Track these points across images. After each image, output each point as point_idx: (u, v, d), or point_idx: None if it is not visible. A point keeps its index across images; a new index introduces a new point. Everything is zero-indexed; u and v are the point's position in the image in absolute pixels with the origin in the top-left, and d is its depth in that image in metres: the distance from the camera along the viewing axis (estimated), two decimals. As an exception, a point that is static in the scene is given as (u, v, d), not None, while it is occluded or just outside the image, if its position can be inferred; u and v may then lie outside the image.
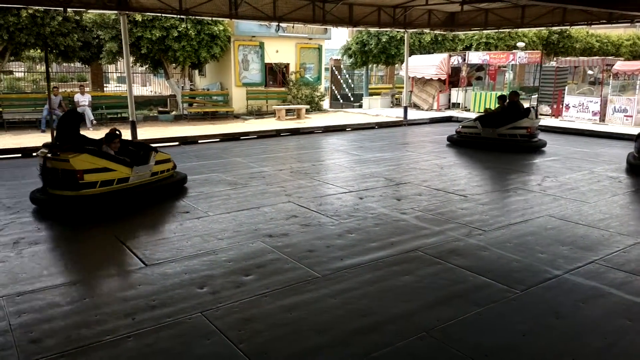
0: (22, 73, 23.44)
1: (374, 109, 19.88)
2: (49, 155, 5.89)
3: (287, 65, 18.98)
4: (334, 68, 21.86)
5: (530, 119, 10.34)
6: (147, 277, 4.13)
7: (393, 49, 20.61)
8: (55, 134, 6.66)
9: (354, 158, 9.76)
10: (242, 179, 7.75)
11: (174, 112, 17.46)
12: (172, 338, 3.22)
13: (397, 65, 24.08)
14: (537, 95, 16.39)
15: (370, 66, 23.60)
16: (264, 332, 3.28)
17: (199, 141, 11.80)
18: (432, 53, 20.78)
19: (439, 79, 19.30)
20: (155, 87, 26.72)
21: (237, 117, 17.19)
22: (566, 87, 16.33)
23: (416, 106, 19.89)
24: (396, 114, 17.60)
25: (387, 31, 19.68)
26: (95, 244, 4.90)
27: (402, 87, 18.44)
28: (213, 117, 16.95)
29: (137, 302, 3.70)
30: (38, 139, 11.69)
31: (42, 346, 3.10)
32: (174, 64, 16.87)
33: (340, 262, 4.44)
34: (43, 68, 26.17)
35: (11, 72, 21.81)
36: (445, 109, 19.23)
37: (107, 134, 6.48)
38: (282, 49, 18.52)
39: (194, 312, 3.53)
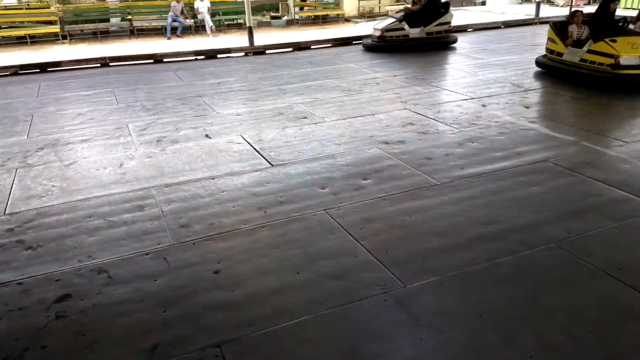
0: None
1: (499, 6, 17.99)
2: None
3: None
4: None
5: (450, 14, 10.40)
6: (274, 176, 4.43)
7: None
8: None
9: (476, 62, 9.11)
10: (356, 85, 7.69)
11: (285, 17, 17.37)
12: (300, 230, 3.49)
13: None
14: None
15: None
16: (384, 232, 3.42)
17: (312, 47, 11.75)
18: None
19: (579, -31, 16.79)
20: (266, -10, 26.56)
21: (347, 20, 16.68)
22: None
23: (550, 2, 17.62)
24: (525, 11, 15.79)
25: None
26: (227, 147, 5.29)
27: (534, -19, 16.32)
28: (324, 21, 16.62)
29: (267, 197, 4.02)
30: (165, 45, 12.47)
31: (190, 230, 3.55)
32: (287, -34, 16.51)
33: (461, 170, 4.36)
34: (163, -25, 27.14)
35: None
36: (585, 4, 16.80)
37: None
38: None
39: (318, 210, 3.77)
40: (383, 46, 10.15)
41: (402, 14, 10.43)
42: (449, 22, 10.35)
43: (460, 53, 10.20)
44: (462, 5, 18.98)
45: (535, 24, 13.95)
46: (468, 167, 4.42)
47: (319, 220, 3.63)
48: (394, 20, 10.25)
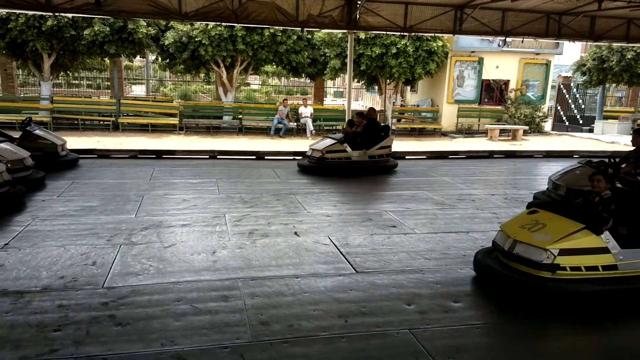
0: (257, 85, 27.27)
1: (609, 135, 17.37)
2: None
3: (506, 82, 17.96)
4: (562, 86, 19.85)
5: (390, 138, 9.93)
6: (358, 283, 4.33)
7: (640, 67, 17.76)
8: None
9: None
10: (450, 199, 7.57)
11: (382, 127, 18.13)
12: (381, 349, 3.29)
13: (643, 85, 20.63)
14: None
15: (607, 86, 20.73)
16: (475, 366, 3.12)
17: (406, 157, 11.98)
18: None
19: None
20: (366, 101, 28.23)
21: (444, 134, 16.96)
22: None
23: (664, 133, 16.77)
24: (638, 142, 15.09)
25: (634, 46, 17.08)
26: (314, 247, 5.34)
27: (647, 112, 15.76)
28: (420, 133, 17.05)
29: (349, 305, 3.90)
30: (268, 144, 13.40)
31: (269, 329, 3.50)
32: (388, 80, 17.52)
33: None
34: (274, 82, 30.07)
35: (248, 84, 25.51)
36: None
37: None
38: (503, 65, 17.53)
39: (402, 328, 3.56)
40: (322, 168, 9.28)
41: (341, 135, 9.83)
42: (390, 146, 9.87)
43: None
44: (567, 131, 18.62)
45: (649, 156, 13.15)
46: (573, 304, 4.02)
47: (402, 340, 3.41)
48: (333, 141, 9.47)
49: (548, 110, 19.30)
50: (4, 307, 3.67)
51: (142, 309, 3.71)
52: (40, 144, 8.70)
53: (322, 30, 14.98)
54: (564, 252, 3.92)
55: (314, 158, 9.43)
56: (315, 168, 9.34)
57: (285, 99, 17.20)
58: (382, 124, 10.21)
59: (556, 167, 11.12)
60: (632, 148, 6.98)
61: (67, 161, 9.18)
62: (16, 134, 8.86)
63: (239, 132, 15.98)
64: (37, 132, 8.93)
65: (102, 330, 3.39)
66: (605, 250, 3.99)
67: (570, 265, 3.93)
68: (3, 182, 6.24)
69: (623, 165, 6.84)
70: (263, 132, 16.01)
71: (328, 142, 9.53)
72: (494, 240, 4.47)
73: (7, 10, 12.58)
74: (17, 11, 12.55)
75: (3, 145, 7.54)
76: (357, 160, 9.46)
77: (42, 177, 7.68)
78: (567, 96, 19.80)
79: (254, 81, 27.01)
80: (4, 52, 15.23)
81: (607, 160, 7.06)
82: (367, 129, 9.63)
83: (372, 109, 10.11)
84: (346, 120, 11.73)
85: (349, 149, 9.39)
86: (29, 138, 8.65)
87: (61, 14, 10.10)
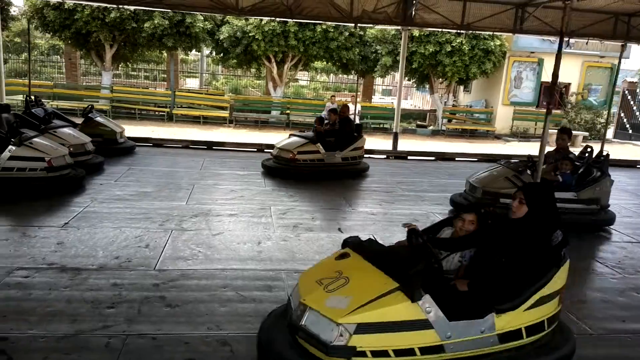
0: (306, 81, 27.44)
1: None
2: None
3: (567, 85, 17.22)
4: (626, 92, 18.82)
5: (363, 138, 8.92)
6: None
7: None
8: None
9: (645, 202, 8.18)
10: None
11: (431, 127, 17.82)
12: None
13: None
14: None
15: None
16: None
17: (456, 159, 11.71)
18: None
19: None
20: (415, 100, 27.82)
21: (497, 137, 16.47)
22: None
23: None
24: None
25: None
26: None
27: None
28: (471, 135, 16.65)
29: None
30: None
31: (312, 322, 3.50)
32: (440, 79, 17.19)
33: (622, 324, 3.75)
34: (323, 78, 30.16)
35: (297, 80, 25.71)
36: None
37: None
38: (564, 67, 16.74)
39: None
40: (290, 171, 8.23)
41: (311, 133, 8.77)
42: (363, 147, 8.88)
43: (627, 190, 9.26)
44: (630, 139, 17.61)
45: None
46: (631, 321, 3.79)
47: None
48: (304, 140, 8.40)
49: (610, 116, 18.36)
50: (62, 282, 3.86)
51: (191, 293, 3.81)
52: (100, 131, 9.09)
53: (376, 27, 14.88)
54: (362, 328, 2.55)
55: (283, 159, 8.35)
56: (283, 170, 8.30)
57: (333, 96, 17.25)
58: (356, 123, 9.24)
59: (618, 177, 10.55)
60: (553, 148, 6.85)
61: (125, 148, 9.55)
62: (78, 120, 9.30)
63: (286, 127, 16.13)
64: (98, 119, 9.34)
65: (153, 310, 3.50)
66: (424, 325, 2.63)
67: (371, 349, 2.57)
68: (65, 165, 6.58)
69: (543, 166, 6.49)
70: (310, 127, 16.06)
71: (298, 141, 8.45)
72: (290, 297, 3.08)
73: (74, 2, 13.22)
74: (84, 3, 13.17)
75: (66, 130, 7.95)
76: (330, 163, 8.50)
77: (101, 162, 8.03)
78: (631, 103, 18.73)
79: (303, 77, 27.21)
80: (69, 42, 16.05)
81: (526, 160, 6.70)
82: (342, 128, 8.73)
83: (345, 106, 9.20)
84: (395, 120, 11.59)
85: (322, 149, 8.39)
86: (90, 124, 9.06)
87: (124, 6, 10.51)
